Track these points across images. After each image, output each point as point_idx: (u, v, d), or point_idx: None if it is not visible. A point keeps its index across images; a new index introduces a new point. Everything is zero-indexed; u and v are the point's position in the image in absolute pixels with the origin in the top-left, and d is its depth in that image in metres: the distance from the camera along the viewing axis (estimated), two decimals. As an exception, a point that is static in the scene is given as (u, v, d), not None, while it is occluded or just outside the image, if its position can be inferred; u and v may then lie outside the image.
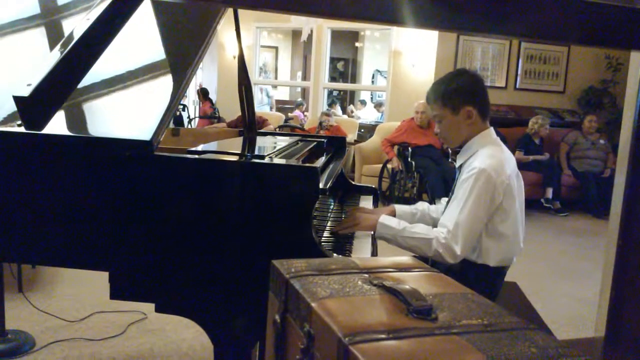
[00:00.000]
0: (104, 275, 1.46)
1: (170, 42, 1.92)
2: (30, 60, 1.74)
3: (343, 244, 1.76)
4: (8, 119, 1.54)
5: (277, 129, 6.85)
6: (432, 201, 5.04)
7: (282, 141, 2.21)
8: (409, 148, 5.67)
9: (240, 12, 2.13)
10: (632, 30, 0.69)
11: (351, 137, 7.33)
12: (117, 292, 1.46)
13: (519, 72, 7.23)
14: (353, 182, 2.56)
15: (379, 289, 0.86)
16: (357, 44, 13.02)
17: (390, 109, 7.66)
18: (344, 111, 11.63)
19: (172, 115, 1.59)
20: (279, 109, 10.80)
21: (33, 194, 1.48)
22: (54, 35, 1.84)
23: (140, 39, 1.84)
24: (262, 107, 10.23)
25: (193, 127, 8.31)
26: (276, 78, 13.15)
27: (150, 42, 1.88)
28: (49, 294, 3.05)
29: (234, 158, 1.60)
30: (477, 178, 1.71)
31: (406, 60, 7.36)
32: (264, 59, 11.48)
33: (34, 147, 1.49)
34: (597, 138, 6.41)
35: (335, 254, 1.50)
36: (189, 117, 8.84)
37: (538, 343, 0.71)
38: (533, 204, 5.85)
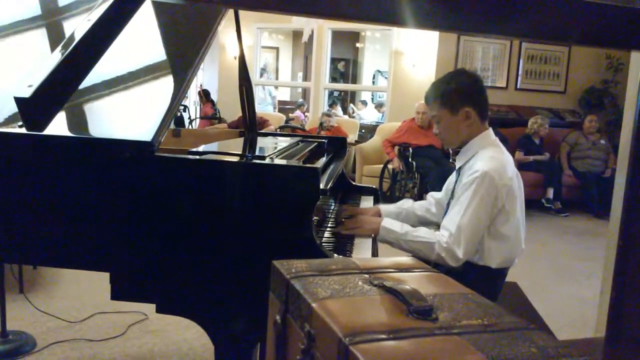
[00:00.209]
0: (105, 276, 1.47)
1: (171, 43, 1.92)
2: (31, 61, 1.74)
3: (343, 244, 1.75)
4: (9, 120, 1.54)
5: (278, 130, 6.86)
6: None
7: (283, 142, 2.21)
8: (410, 148, 5.67)
9: (241, 13, 2.14)
10: (632, 30, 0.69)
11: (352, 137, 7.33)
12: (118, 292, 1.46)
13: (520, 72, 7.22)
14: (354, 183, 2.56)
15: (379, 289, 0.86)
16: (357, 45, 13.02)
17: (391, 109, 7.67)
18: (345, 112, 11.63)
19: (173, 116, 1.59)
20: (279, 110, 10.81)
21: (34, 194, 1.49)
22: (55, 36, 1.84)
23: (141, 40, 1.84)
24: (265, 106, 10.23)
25: (194, 128, 8.30)
26: (277, 79, 13.15)
27: (151, 43, 1.89)
28: (50, 295, 3.05)
29: (235, 159, 1.61)
30: (479, 181, 1.70)
31: (407, 60, 7.36)
32: (264, 59, 11.48)
33: (35, 148, 1.49)
34: (597, 138, 6.40)
35: (335, 255, 1.50)
36: (189, 118, 8.84)
37: (538, 343, 0.71)
38: (534, 204, 5.84)
